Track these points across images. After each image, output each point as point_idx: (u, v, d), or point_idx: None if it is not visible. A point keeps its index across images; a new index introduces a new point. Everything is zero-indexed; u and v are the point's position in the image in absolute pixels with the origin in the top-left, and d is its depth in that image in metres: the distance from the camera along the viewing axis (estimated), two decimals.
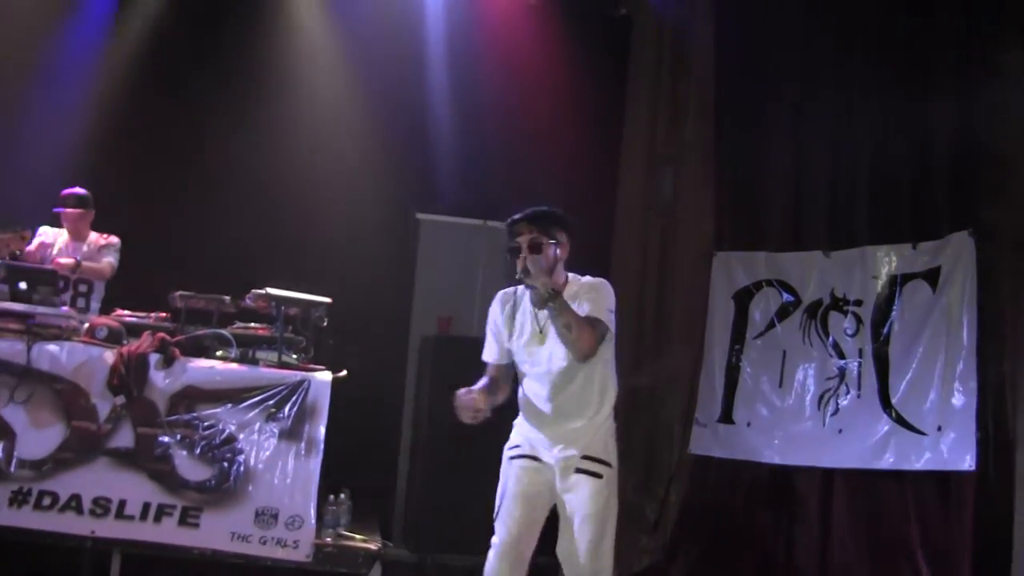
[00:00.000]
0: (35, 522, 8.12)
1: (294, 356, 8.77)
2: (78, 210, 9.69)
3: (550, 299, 6.22)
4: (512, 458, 6.78)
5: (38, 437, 8.30)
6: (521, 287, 6.60)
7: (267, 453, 8.37)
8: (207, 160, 10.84)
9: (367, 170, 11.00)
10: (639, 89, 11.57)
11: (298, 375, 8.53)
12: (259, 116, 11.02)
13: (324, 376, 8.56)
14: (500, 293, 6.91)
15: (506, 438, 8.94)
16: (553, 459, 6.60)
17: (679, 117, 11.29)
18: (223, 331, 8.73)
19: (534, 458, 6.67)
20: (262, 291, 8.69)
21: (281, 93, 11.14)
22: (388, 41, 11.27)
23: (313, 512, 8.31)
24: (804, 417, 9.85)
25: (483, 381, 6.75)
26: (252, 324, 8.97)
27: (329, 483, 8.53)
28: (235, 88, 11.06)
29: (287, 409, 8.41)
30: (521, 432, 6.79)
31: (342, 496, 8.66)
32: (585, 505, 6.51)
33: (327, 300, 8.88)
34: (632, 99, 11.62)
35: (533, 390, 6.69)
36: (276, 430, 8.40)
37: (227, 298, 8.94)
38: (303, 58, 11.28)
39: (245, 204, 10.76)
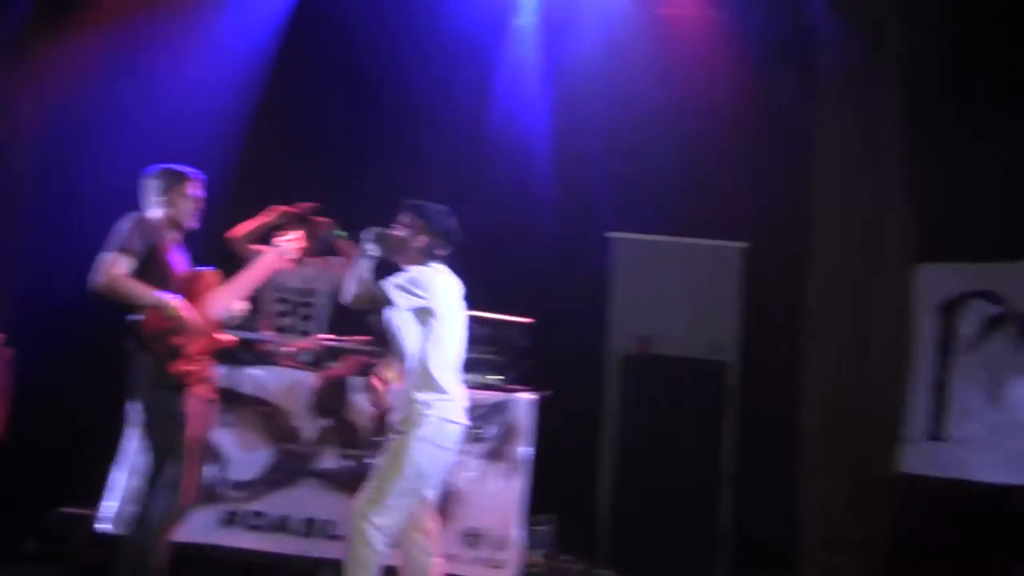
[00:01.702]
0: (246, 542, 8.30)
1: (495, 377, 8.77)
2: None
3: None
4: None
5: (246, 459, 8.49)
6: None
7: (471, 474, 8.40)
8: (399, 181, 10.91)
9: (561, 190, 10.95)
10: (831, 99, 11.38)
11: (500, 396, 8.57)
12: (447, 139, 11.05)
13: (527, 396, 8.57)
14: None
15: (708, 458, 8.87)
16: None
17: (875, 126, 11.07)
18: None
19: None
20: None
21: (469, 115, 11.16)
22: (574, 62, 11.23)
23: (519, 533, 8.30)
24: (1020, 434, 9.55)
25: None
26: None
27: (535, 504, 8.50)
28: (422, 108, 11.11)
29: (490, 430, 8.44)
30: None
31: (548, 517, 8.65)
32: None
33: (527, 321, 8.88)
34: (824, 110, 11.43)
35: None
36: (480, 451, 8.43)
37: None
38: (492, 81, 11.29)
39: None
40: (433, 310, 7.02)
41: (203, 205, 7.32)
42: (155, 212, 7.13)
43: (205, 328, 6.97)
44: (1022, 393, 9.59)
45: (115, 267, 6.78)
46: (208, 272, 7.23)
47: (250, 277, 7.36)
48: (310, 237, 8.72)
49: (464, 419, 7.03)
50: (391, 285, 6.96)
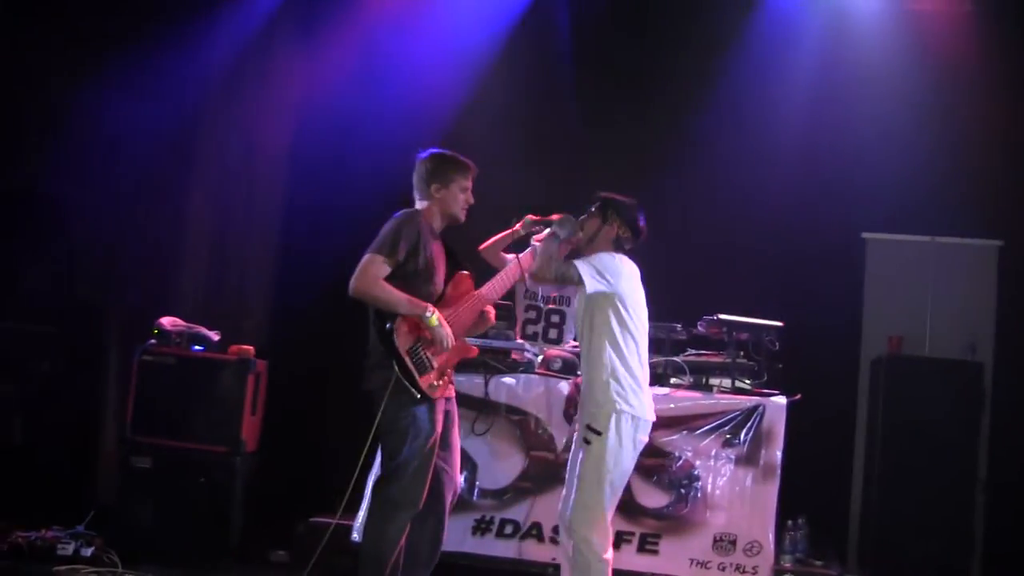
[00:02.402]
0: (498, 550, 8.40)
1: (747, 381, 8.74)
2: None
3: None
4: None
5: (498, 467, 8.62)
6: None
7: (724, 479, 8.40)
8: (651, 187, 10.91)
9: (812, 192, 10.83)
10: None
11: (753, 400, 8.53)
12: (700, 141, 11.01)
13: (779, 400, 8.52)
14: None
15: (964, 460, 8.66)
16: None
17: None
18: (676, 359, 8.78)
19: None
20: (713, 317, 8.70)
21: (720, 116, 11.09)
22: (823, 59, 11.09)
23: (772, 538, 8.26)
24: None
25: None
26: (704, 351, 8.97)
27: (786, 508, 8.43)
28: (669, 107, 11.12)
29: (743, 435, 8.42)
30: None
31: (800, 521, 8.58)
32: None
33: (778, 324, 8.82)
34: None
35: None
36: (732, 456, 8.42)
37: (678, 325, 8.97)
38: (740, 81, 11.21)
39: (690, 230, 10.78)
40: (620, 297, 6.99)
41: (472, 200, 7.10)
42: (423, 202, 6.94)
43: (458, 339, 6.85)
44: None
45: (372, 270, 6.56)
46: (465, 275, 7.12)
47: (503, 283, 7.26)
48: None
49: (652, 415, 7.08)
50: (580, 264, 6.93)
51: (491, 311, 7.24)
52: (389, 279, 6.62)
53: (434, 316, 6.63)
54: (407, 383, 6.61)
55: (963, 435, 10.19)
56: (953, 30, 11.08)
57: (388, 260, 6.60)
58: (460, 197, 6.97)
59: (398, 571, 6.77)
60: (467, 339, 7.13)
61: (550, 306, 9.33)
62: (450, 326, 6.76)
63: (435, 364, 6.73)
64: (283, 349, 10.00)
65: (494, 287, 7.23)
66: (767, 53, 11.08)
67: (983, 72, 10.87)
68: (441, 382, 6.79)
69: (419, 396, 6.64)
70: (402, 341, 6.64)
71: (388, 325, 6.62)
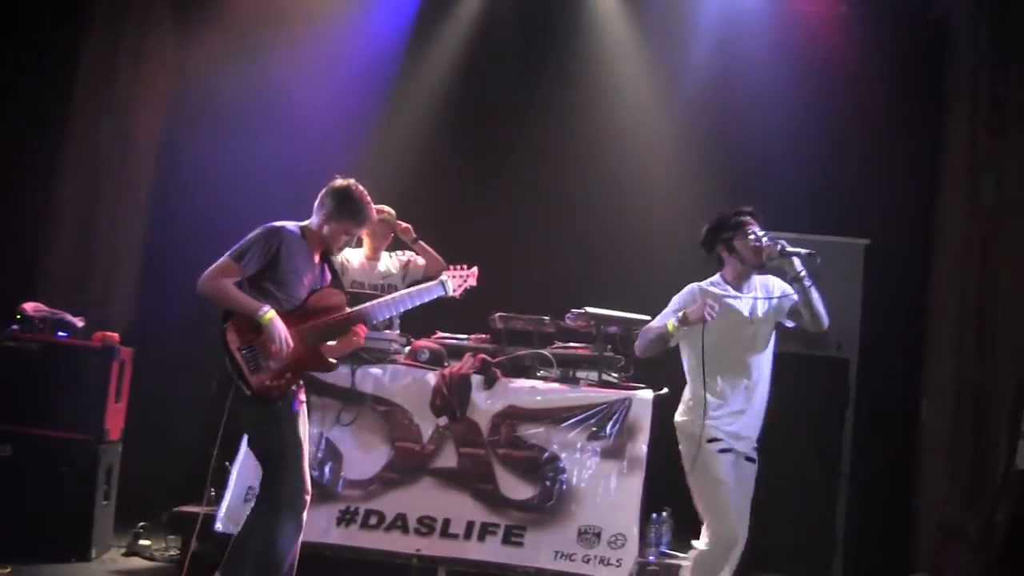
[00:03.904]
0: (363, 540, 8.34)
1: (614, 375, 8.75)
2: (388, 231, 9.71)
3: (801, 278, 6.93)
4: (721, 451, 6.99)
5: (364, 458, 8.56)
6: (719, 283, 7.23)
7: (589, 472, 8.40)
8: (524, 179, 10.95)
9: (686, 187, 10.88)
10: (956, 94, 11.22)
11: (619, 394, 8.55)
12: (576, 133, 11.07)
13: (645, 394, 8.55)
14: (697, 286, 7.24)
15: (828, 455, 8.81)
16: (743, 449, 7.11)
17: (1001, 121, 10.91)
18: (544, 351, 8.79)
19: (731, 450, 7.01)
20: (581, 310, 8.70)
21: (598, 112, 11.16)
22: (698, 53, 11.21)
23: (636, 530, 8.27)
24: None
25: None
26: (572, 344, 8.98)
27: (651, 501, 8.47)
28: (552, 105, 11.14)
29: (609, 428, 8.43)
30: (716, 426, 6.99)
31: (664, 514, 8.61)
32: (751, 485, 7.26)
33: (646, 318, 8.83)
34: (949, 105, 11.28)
35: (724, 383, 7.01)
36: (598, 448, 8.43)
37: (547, 318, 8.96)
38: (616, 78, 11.27)
39: (562, 223, 10.84)
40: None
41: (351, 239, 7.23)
42: (315, 219, 7.04)
43: (308, 348, 6.88)
44: None
45: (219, 271, 6.73)
46: (335, 292, 7.13)
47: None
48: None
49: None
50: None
51: (360, 331, 7.16)
52: (249, 286, 6.78)
53: (267, 315, 6.67)
54: (237, 380, 6.71)
55: (828, 430, 10.35)
56: (828, 32, 11.24)
57: (236, 265, 6.75)
58: (342, 239, 7.10)
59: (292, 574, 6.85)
60: (328, 354, 7.07)
61: (379, 293, 9.34)
62: (304, 336, 6.83)
63: (270, 365, 6.74)
64: (149, 336, 9.88)
65: (382, 307, 7.27)
66: (648, 52, 11.15)
67: (855, 74, 11.02)
68: (277, 383, 6.76)
69: (249, 394, 6.71)
70: (234, 339, 6.74)
71: (224, 323, 6.76)
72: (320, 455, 8.41)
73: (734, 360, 7.03)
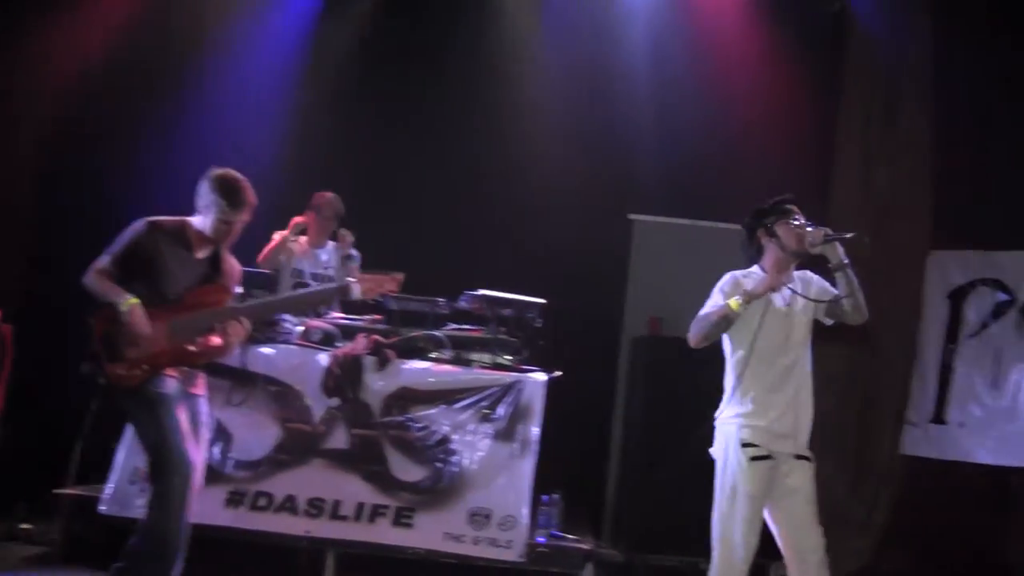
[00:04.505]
0: (251, 522, 8.24)
1: (507, 357, 8.74)
2: (333, 220, 9.66)
3: (846, 266, 6.52)
4: (753, 459, 6.59)
5: (253, 439, 8.44)
6: (757, 272, 6.77)
7: (481, 454, 8.38)
8: (420, 163, 10.90)
9: (580, 171, 10.90)
10: (853, 86, 11.34)
11: (512, 376, 8.53)
12: (472, 119, 11.05)
13: (538, 377, 8.54)
14: (736, 273, 6.86)
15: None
16: (786, 449, 6.60)
17: (894, 112, 11.04)
18: (437, 333, 8.75)
19: (769, 456, 6.57)
20: (476, 292, 8.68)
21: (494, 96, 11.14)
22: (600, 43, 11.22)
23: (526, 512, 8.27)
24: (1019, 417, 9.76)
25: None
26: (466, 326, 8.96)
27: (542, 483, 8.47)
28: (449, 89, 11.12)
29: (501, 410, 8.41)
30: (754, 426, 6.63)
31: (555, 496, 8.62)
32: (809, 486, 6.60)
33: (540, 301, 8.84)
34: (846, 96, 11.39)
35: (772, 377, 6.64)
36: (490, 431, 8.41)
37: (441, 300, 8.93)
38: (517, 61, 11.25)
39: (457, 206, 10.80)
40: None
41: (236, 230, 7.05)
42: (194, 217, 6.98)
43: (174, 340, 6.82)
44: (1020, 378, 9.71)
45: (96, 264, 6.77)
46: (218, 288, 7.04)
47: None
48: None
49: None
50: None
51: (235, 331, 7.05)
52: (122, 279, 6.77)
53: (126, 305, 6.65)
54: (96, 368, 6.73)
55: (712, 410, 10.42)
56: (727, 22, 11.30)
57: (108, 259, 6.80)
58: (222, 228, 6.96)
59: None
60: (205, 350, 7.01)
61: (318, 283, 9.43)
62: (169, 329, 6.80)
63: (126, 355, 6.72)
64: (31, 314, 9.71)
65: (260, 309, 7.35)
66: (547, 38, 11.14)
67: (754, 64, 11.08)
68: (130, 373, 6.72)
69: (103, 382, 6.74)
70: (97, 327, 6.74)
71: (92, 313, 6.77)
72: (209, 436, 8.29)
73: (775, 353, 6.64)
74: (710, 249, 11.03)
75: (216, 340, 7.02)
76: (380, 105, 11.07)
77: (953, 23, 10.54)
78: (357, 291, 7.30)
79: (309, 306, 8.04)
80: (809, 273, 6.79)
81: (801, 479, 6.58)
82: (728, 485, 6.66)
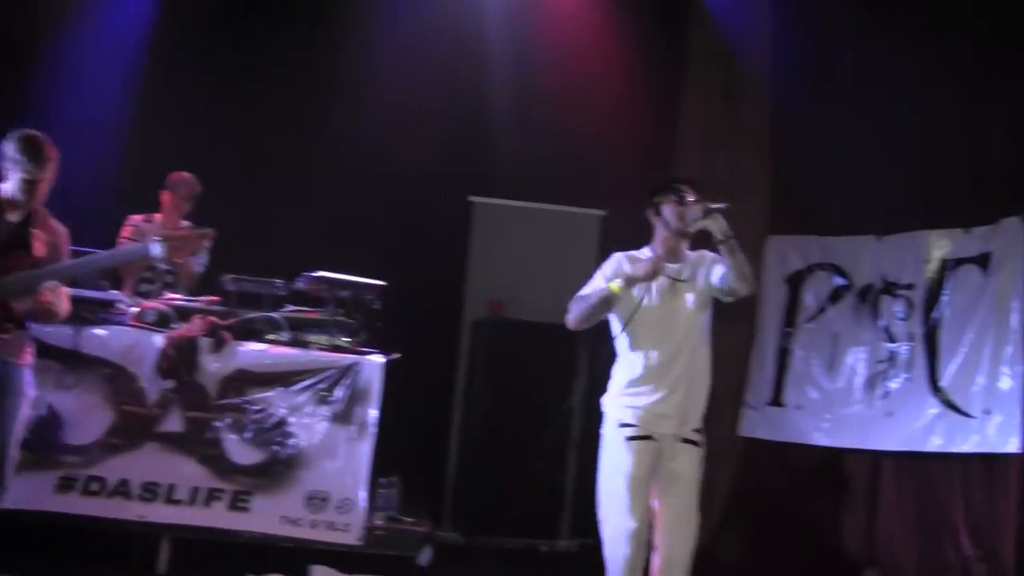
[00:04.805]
0: (83, 508, 8.09)
1: (345, 339, 8.68)
2: (188, 200, 9.51)
3: (730, 237, 6.41)
4: (630, 439, 6.53)
5: (86, 422, 8.26)
6: (646, 253, 6.70)
7: (318, 436, 8.33)
8: (258, 143, 10.78)
9: (420, 153, 10.85)
10: (695, 72, 11.45)
11: (350, 358, 8.47)
12: (311, 99, 10.97)
13: (376, 359, 8.50)
14: (622, 254, 6.77)
15: (558, 421, 8.94)
16: (671, 431, 6.55)
17: (735, 97, 11.18)
18: (274, 314, 8.67)
19: (648, 436, 6.53)
20: (313, 274, 8.62)
21: (334, 76, 11.05)
22: (444, 24, 11.17)
23: (364, 495, 8.27)
24: (854, 400, 9.93)
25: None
26: (303, 307, 8.88)
27: (381, 466, 8.45)
28: (287, 71, 10.99)
29: (338, 392, 8.36)
30: (634, 406, 6.57)
31: (393, 479, 8.63)
32: (692, 471, 6.59)
33: (379, 283, 8.81)
34: (687, 79, 11.50)
35: (655, 357, 6.56)
36: (327, 413, 8.35)
37: (279, 281, 8.85)
38: (359, 42, 11.16)
39: (296, 186, 10.71)
40: None
41: (42, 190, 6.75)
42: (6, 184, 6.73)
43: None
44: (856, 361, 9.84)
45: None
46: (25, 252, 6.71)
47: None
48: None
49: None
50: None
51: (52, 293, 6.85)
52: None
53: None
54: None
55: (558, 396, 10.48)
56: (572, 4, 11.32)
57: None
58: (25, 187, 6.69)
59: None
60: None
61: (165, 266, 9.28)
62: None
63: None
64: None
65: (69, 268, 6.97)
66: (383, 15, 11.08)
67: (597, 47, 11.14)
68: None
69: None
70: None
71: None
72: (40, 419, 8.13)
73: (660, 333, 6.55)
74: (551, 232, 11.18)
75: (28, 304, 6.82)
76: (222, 83, 10.91)
77: (790, 10, 10.68)
78: (158, 250, 7.08)
79: (116, 266, 7.81)
80: (707, 253, 6.69)
81: (685, 464, 6.56)
82: (608, 465, 6.62)
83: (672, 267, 6.62)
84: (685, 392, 6.54)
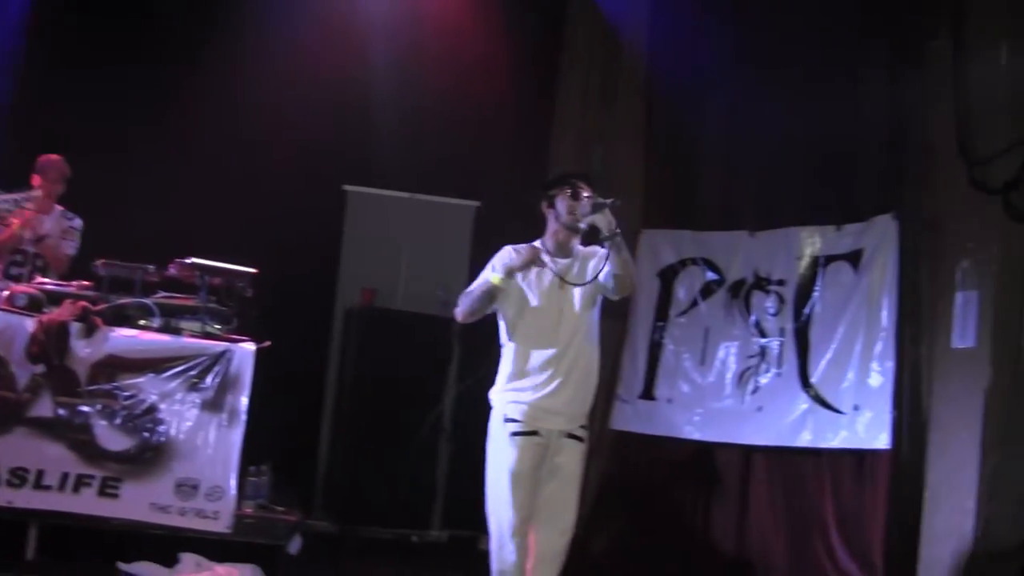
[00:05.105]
0: None
1: (217, 326, 8.66)
2: (58, 183, 9.38)
3: (616, 234, 6.45)
4: (515, 434, 6.59)
5: None
6: (536, 246, 6.72)
7: (189, 424, 8.28)
8: (133, 128, 10.70)
9: (294, 141, 10.84)
10: (572, 64, 11.56)
11: (221, 345, 8.44)
12: (185, 84, 10.88)
13: (247, 347, 8.48)
14: (511, 247, 6.78)
15: (430, 412, 9.00)
16: (556, 426, 6.62)
17: (611, 94, 11.29)
18: (146, 300, 8.62)
19: (534, 432, 6.59)
20: (186, 260, 8.59)
21: (209, 63, 10.98)
22: (323, 13, 11.16)
23: (234, 483, 8.24)
24: (724, 394, 10.00)
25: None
26: (175, 294, 8.85)
27: (251, 454, 8.45)
28: (164, 57, 10.91)
29: (209, 379, 8.32)
30: (519, 401, 6.63)
31: (263, 467, 8.61)
32: (574, 466, 6.68)
33: (251, 270, 8.80)
34: (564, 75, 11.60)
35: (540, 353, 6.63)
36: (198, 400, 8.31)
37: (151, 267, 8.79)
38: (236, 29, 11.11)
39: (171, 172, 10.63)
40: None
41: None
42: None
43: None
44: (727, 356, 9.94)
45: None
46: None
47: None
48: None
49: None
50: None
51: None
52: None
53: None
54: None
55: (431, 387, 10.55)
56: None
57: None
58: None
59: None
60: None
61: (35, 250, 9.23)
62: None
63: None
64: None
65: None
66: (268, 4, 11.06)
67: (476, 41, 11.19)
68: None
69: None
70: None
71: None
72: None
73: (545, 328, 6.61)
74: (425, 222, 11.21)
75: None
76: (99, 67, 10.80)
77: (667, 4, 10.80)
78: None
79: None
80: (598, 249, 6.71)
81: (568, 458, 6.64)
82: (493, 459, 6.65)
83: (561, 262, 6.70)
84: (573, 389, 6.62)
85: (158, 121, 10.72)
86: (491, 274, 6.61)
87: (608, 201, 6.50)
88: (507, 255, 6.70)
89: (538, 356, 6.60)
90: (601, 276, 6.57)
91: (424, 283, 11.13)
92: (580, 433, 6.68)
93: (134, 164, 10.67)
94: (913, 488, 8.74)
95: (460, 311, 6.73)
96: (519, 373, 6.63)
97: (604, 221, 6.48)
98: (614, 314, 10.34)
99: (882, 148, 9.37)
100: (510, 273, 6.57)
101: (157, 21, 10.97)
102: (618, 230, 6.47)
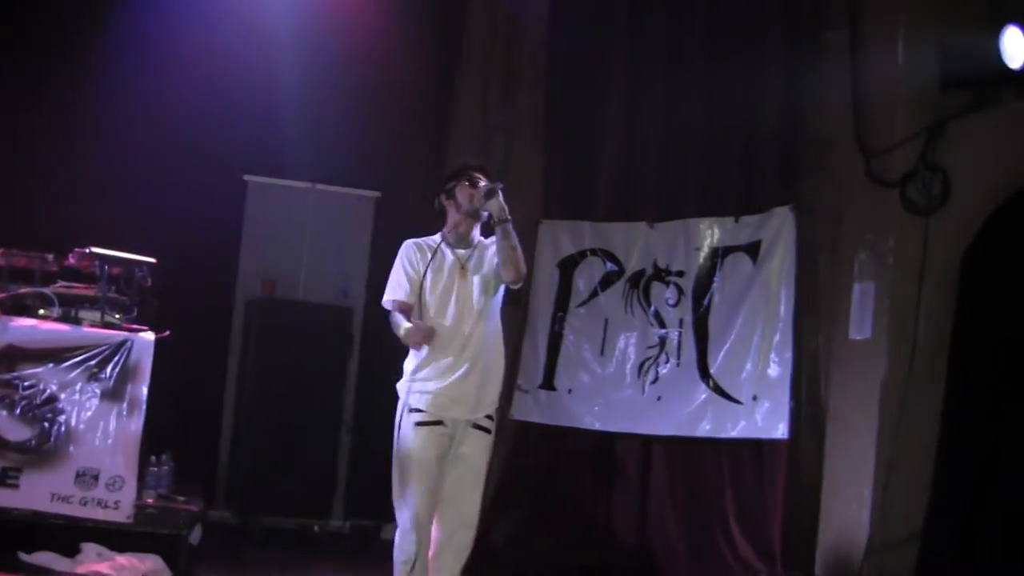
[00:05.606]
0: None
1: (117, 316, 8.62)
2: None
3: (506, 220, 6.52)
4: (418, 424, 6.63)
5: None
6: (436, 238, 6.79)
7: (89, 413, 8.23)
8: (30, 115, 10.60)
9: (195, 130, 10.77)
10: (472, 55, 11.57)
11: (121, 335, 8.39)
12: (87, 72, 10.78)
13: (147, 336, 8.44)
14: (412, 241, 6.87)
15: (331, 402, 9.01)
16: (462, 416, 6.67)
17: (512, 84, 11.33)
18: (45, 289, 8.56)
19: (439, 422, 6.63)
20: (85, 250, 8.53)
21: (108, 50, 10.89)
22: (221, 1, 11.09)
23: (135, 473, 8.21)
24: (624, 385, 10.07)
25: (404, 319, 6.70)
26: (75, 283, 8.79)
27: (152, 444, 8.43)
28: (62, 42, 10.79)
29: (109, 369, 8.27)
30: (423, 391, 6.68)
31: (164, 457, 8.59)
32: (478, 457, 6.73)
33: (151, 260, 8.76)
34: (465, 65, 11.61)
35: (443, 343, 6.66)
36: (98, 390, 8.25)
37: (50, 256, 8.74)
38: (136, 15, 11.01)
39: (70, 161, 10.52)
40: None
41: None
42: None
43: None
44: (626, 346, 10.01)
45: None
46: None
47: None
48: None
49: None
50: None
51: None
52: None
53: None
54: None
55: (332, 377, 10.56)
56: None
57: None
58: None
59: None
60: None
61: None
62: None
63: None
64: None
65: None
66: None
67: (374, 31, 11.16)
68: None
69: None
70: None
71: None
72: None
73: (454, 318, 6.66)
74: (326, 213, 11.20)
75: None
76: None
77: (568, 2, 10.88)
78: None
79: None
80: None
81: (472, 449, 6.70)
82: (398, 449, 6.67)
83: (461, 253, 6.77)
84: (480, 376, 6.67)
85: (57, 110, 10.61)
86: (402, 329, 6.62)
87: (497, 184, 6.61)
88: (408, 250, 6.80)
89: (442, 345, 6.63)
90: (496, 264, 6.66)
91: (325, 274, 11.13)
92: (486, 424, 6.73)
93: (33, 153, 10.56)
94: (811, 477, 8.90)
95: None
96: (423, 363, 6.67)
97: (495, 206, 6.56)
98: (513, 302, 10.43)
99: (780, 140, 9.48)
100: (406, 342, 6.65)
101: (55, 5, 10.84)
102: (507, 216, 6.53)
